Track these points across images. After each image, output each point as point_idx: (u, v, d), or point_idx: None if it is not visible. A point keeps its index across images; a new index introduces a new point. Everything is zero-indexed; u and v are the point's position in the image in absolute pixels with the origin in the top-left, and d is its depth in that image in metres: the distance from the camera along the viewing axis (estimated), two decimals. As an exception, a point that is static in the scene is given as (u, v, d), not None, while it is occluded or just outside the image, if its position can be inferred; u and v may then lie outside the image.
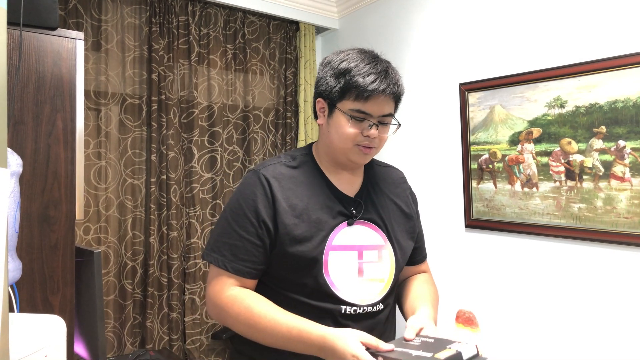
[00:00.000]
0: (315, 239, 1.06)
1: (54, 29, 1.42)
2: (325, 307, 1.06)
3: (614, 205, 1.76)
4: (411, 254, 1.22)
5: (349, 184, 1.16)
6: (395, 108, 1.10)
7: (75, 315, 1.57)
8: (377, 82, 1.03)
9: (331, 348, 0.90)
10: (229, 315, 1.04)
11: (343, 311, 1.06)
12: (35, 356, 0.76)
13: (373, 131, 1.05)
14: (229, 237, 1.06)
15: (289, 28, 3.07)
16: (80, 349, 1.57)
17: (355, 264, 1.09)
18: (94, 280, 1.45)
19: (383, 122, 1.07)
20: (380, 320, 1.11)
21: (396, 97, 1.08)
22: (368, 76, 1.03)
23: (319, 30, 3.20)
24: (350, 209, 1.12)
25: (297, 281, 1.07)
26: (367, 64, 1.05)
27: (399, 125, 1.10)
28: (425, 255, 1.31)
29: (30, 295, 1.32)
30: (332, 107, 1.07)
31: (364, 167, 1.20)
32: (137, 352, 2.08)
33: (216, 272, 1.08)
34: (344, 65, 1.05)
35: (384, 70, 1.05)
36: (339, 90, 1.05)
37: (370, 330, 0.98)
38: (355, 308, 1.07)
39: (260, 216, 1.05)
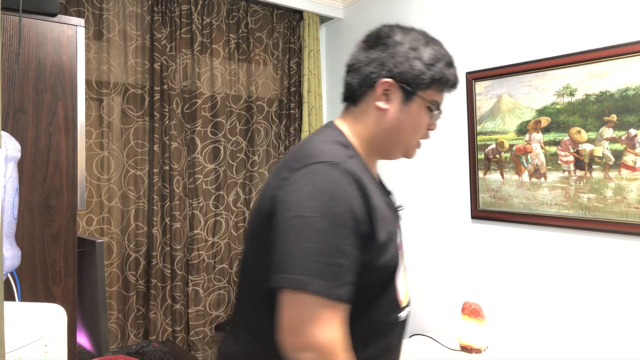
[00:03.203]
0: (392, 243, 0.89)
1: (54, 15, 1.39)
2: (391, 318, 0.90)
3: (624, 195, 1.73)
4: None
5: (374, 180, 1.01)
6: None
7: (78, 305, 1.56)
8: (457, 78, 0.96)
9: None
10: None
11: (401, 318, 0.92)
12: (34, 346, 0.74)
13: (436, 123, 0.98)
14: (329, 254, 0.76)
15: (293, 17, 3.03)
16: (82, 339, 1.56)
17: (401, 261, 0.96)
18: (96, 270, 1.44)
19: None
20: None
21: None
22: (454, 66, 0.95)
23: (323, 19, 3.16)
24: (396, 204, 1.02)
25: (373, 296, 0.87)
26: (447, 51, 0.96)
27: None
28: None
29: (32, 285, 1.30)
30: (410, 94, 0.92)
31: None
32: (140, 344, 2.07)
33: (319, 305, 0.75)
34: (432, 51, 0.93)
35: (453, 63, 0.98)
36: (429, 78, 0.91)
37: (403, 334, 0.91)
38: (406, 312, 0.94)
39: (359, 223, 0.81)
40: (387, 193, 1.02)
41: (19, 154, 0.91)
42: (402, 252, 0.96)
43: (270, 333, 0.82)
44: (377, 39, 0.94)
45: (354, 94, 0.96)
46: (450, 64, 0.94)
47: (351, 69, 0.97)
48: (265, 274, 0.81)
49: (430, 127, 0.98)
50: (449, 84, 0.94)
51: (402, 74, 0.91)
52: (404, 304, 0.93)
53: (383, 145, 0.96)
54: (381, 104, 0.93)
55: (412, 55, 0.91)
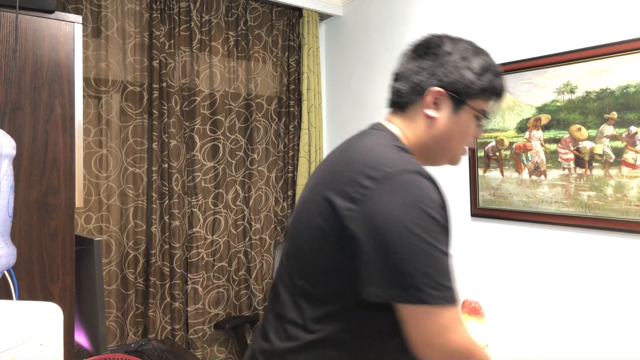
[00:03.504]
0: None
1: (51, 12, 1.38)
2: None
3: (624, 193, 1.73)
4: None
5: None
6: None
7: (76, 304, 1.55)
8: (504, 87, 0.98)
9: None
10: None
11: None
12: (30, 344, 0.73)
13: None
14: (441, 263, 0.79)
15: (292, 15, 3.02)
16: (81, 338, 1.56)
17: None
18: (94, 268, 1.43)
19: None
20: None
21: None
22: (501, 76, 0.96)
23: (323, 17, 3.15)
24: None
25: None
26: (495, 61, 0.98)
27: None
28: None
29: (30, 284, 1.30)
30: (460, 103, 0.94)
31: None
32: (139, 342, 2.06)
33: (445, 312, 0.78)
34: (481, 61, 0.94)
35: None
36: (480, 88, 0.93)
37: None
38: None
39: (449, 227, 0.84)
40: None
41: (14, 151, 0.90)
42: None
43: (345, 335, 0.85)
44: (427, 49, 0.96)
45: (403, 101, 0.97)
46: (498, 73, 0.96)
47: (400, 76, 0.98)
48: (348, 284, 0.82)
49: (477, 135, 1.00)
50: (498, 93, 0.96)
51: (452, 83, 0.93)
52: None
53: (431, 152, 0.98)
54: (431, 112, 0.94)
55: (463, 64, 0.93)
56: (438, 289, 0.77)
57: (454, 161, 1.01)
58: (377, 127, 0.97)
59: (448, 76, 0.93)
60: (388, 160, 0.84)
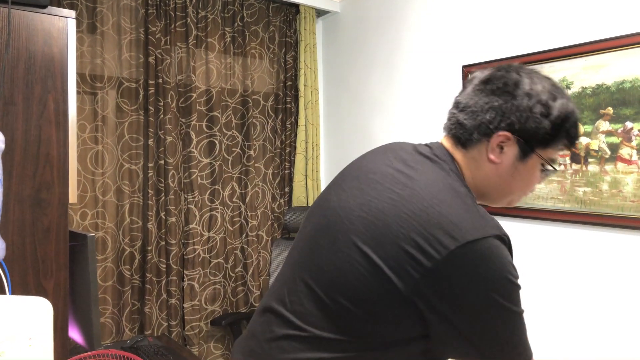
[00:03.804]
0: None
1: (44, 6, 1.38)
2: None
3: (620, 189, 1.72)
4: None
5: None
6: None
7: (70, 300, 1.55)
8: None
9: None
10: None
11: None
12: (18, 339, 0.73)
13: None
14: (524, 332, 0.81)
15: (289, 11, 3.01)
16: (75, 334, 1.55)
17: None
18: (88, 264, 1.43)
19: None
20: None
21: None
22: (578, 124, 0.88)
23: (320, 13, 3.14)
24: None
25: None
26: (574, 107, 0.88)
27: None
28: None
29: (23, 279, 1.29)
30: (529, 152, 0.86)
31: None
32: (135, 338, 2.06)
33: None
34: (561, 107, 0.84)
35: None
36: (552, 137, 0.84)
37: None
38: None
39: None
40: None
41: (2, 145, 0.90)
42: None
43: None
44: (504, 85, 0.86)
45: (465, 137, 0.89)
46: (576, 122, 0.87)
47: (465, 109, 0.89)
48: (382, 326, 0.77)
49: (540, 182, 0.93)
50: (572, 143, 0.88)
51: (524, 130, 0.84)
52: None
53: (489, 195, 0.92)
54: (494, 157, 0.86)
55: (539, 110, 0.84)
56: (529, 356, 0.79)
57: (511, 204, 0.95)
58: (441, 157, 0.88)
59: (521, 121, 0.84)
60: (471, 220, 0.76)
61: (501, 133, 0.84)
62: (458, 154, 0.90)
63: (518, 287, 0.78)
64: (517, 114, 0.84)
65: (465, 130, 0.88)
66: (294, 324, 0.82)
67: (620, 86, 1.71)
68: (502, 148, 0.86)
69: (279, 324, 0.85)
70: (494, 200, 0.94)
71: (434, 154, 0.88)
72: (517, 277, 0.78)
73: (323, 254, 0.83)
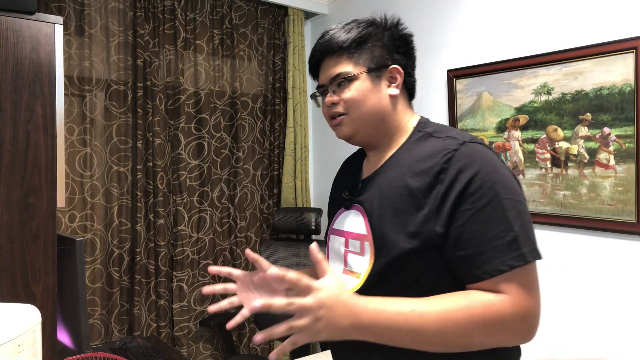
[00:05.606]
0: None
1: (32, 13, 1.39)
2: None
3: (598, 192, 1.77)
4: (456, 267, 0.88)
5: (370, 165, 1.05)
6: (355, 63, 1.00)
7: (59, 303, 1.57)
8: (311, 52, 1.05)
9: None
10: None
11: None
12: (8, 346, 0.75)
13: (327, 99, 1.01)
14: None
15: (277, 13, 3.03)
16: (64, 337, 1.57)
17: (342, 251, 1.02)
18: (77, 268, 1.45)
19: (338, 84, 0.99)
20: None
21: (338, 53, 1.00)
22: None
23: (308, 15, 3.16)
24: (345, 192, 1.07)
25: None
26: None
27: (355, 77, 0.99)
28: (485, 272, 0.86)
29: (12, 284, 1.31)
30: None
31: (403, 144, 1.03)
32: (124, 340, 2.07)
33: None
34: None
35: (322, 35, 1.04)
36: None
37: None
38: None
39: None
40: (352, 180, 1.14)
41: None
42: None
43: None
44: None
45: None
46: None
47: None
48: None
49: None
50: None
51: None
52: None
53: None
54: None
55: None
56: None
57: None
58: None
59: None
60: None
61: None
62: None
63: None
64: None
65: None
66: None
67: (599, 93, 1.76)
68: None
69: None
70: None
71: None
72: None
73: None
